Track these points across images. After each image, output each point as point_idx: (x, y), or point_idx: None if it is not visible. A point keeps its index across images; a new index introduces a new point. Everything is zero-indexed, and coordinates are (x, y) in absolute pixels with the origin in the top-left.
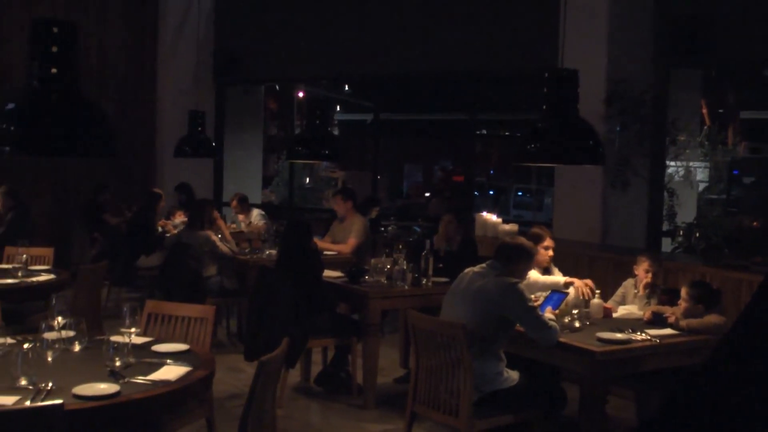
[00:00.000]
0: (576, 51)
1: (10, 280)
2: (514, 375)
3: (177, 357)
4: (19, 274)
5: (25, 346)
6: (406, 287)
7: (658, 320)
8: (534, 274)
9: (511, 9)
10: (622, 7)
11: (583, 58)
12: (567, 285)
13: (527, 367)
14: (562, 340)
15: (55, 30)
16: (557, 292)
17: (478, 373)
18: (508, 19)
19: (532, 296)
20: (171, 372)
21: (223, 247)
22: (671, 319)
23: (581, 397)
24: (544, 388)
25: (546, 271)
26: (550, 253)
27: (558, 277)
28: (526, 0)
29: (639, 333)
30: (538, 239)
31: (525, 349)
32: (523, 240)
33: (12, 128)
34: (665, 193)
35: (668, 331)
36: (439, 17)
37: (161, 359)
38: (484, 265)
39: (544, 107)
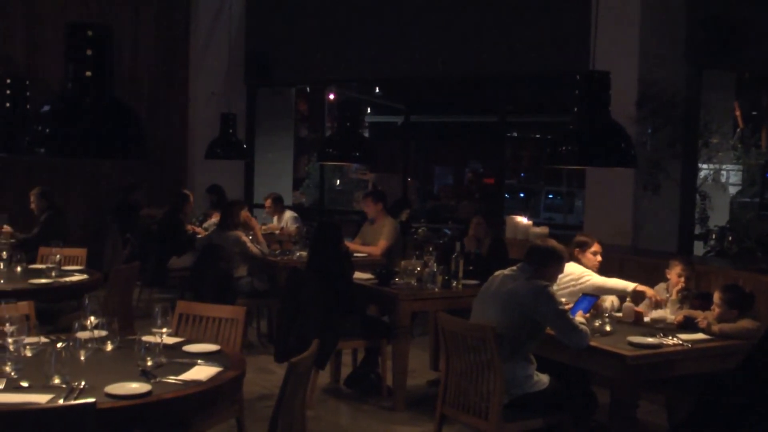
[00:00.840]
0: (608, 52)
1: (44, 280)
2: (544, 378)
3: (208, 357)
4: (53, 274)
5: (59, 345)
6: (436, 289)
7: (689, 324)
8: (599, 277)
9: (542, 11)
10: (654, 9)
11: (615, 59)
12: (637, 293)
13: (557, 371)
14: (592, 343)
15: (90, 33)
16: (588, 296)
17: (508, 376)
18: (540, 20)
19: (562, 299)
20: (202, 372)
21: (254, 249)
22: (702, 324)
23: (612, 401)
24: (574, 392)
25: None
26: (599, 258)
27: (627, 282)
28: (557, 1)
29: (670, 337)
30: (584, 246)
31: (555, 353)
32: (553, 243)
33: (47, 130)
34: (697, 197)
35: (700, 335)
36: (471, 19)
37: (192, 359)
38: (514, 267)
39: (576, 109)
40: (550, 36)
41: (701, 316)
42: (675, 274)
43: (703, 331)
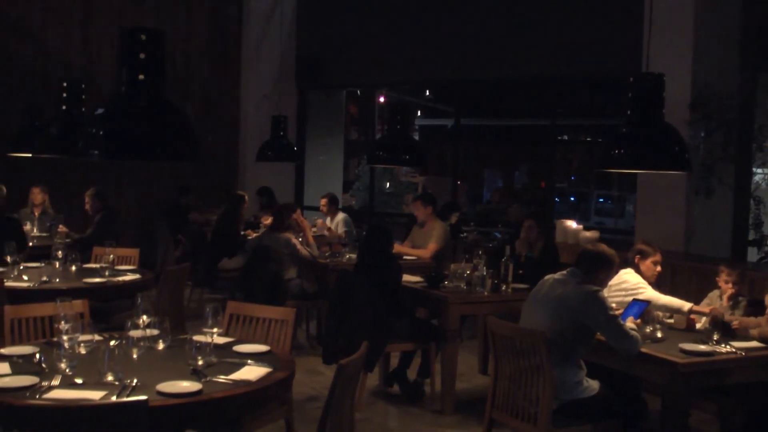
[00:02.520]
0: (661, 55)
1: (97, 280)
2: (594, 384)
3: (258, 358)
4: (106, 273)
5: (112, 343)
6: (486, 293)
7: (720, 326)
8: (653, 292)
9: (594, 13)
10: (709, 10)
11: (668, 61)
12: (693, 313)
13: (608, 377)
14: (643, 350)
15: (143, 37)
16: (639, 301)
17: (557, 381)
18: (592, 23)
19: (613, 304)
20: (252, 372)
21: (304, 251)
22: (735, 324)
23: (663, 409)
24: (624, 399)
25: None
26: (659, 268)
27: (683, 302)
28: (610, 3)
29: (724, 345)
30: (646, 255)
31: (606, 359)
32: (604, 247)
33: (101, 133)
34: (751, 201)
35: (754, 343)
36: (522, 21)
37: (242, 359)
38: (564, 272)
39: (628, 112)
40: (603, 38)
41: (753, 322)
42: (722, 280)
43: (753, 338)
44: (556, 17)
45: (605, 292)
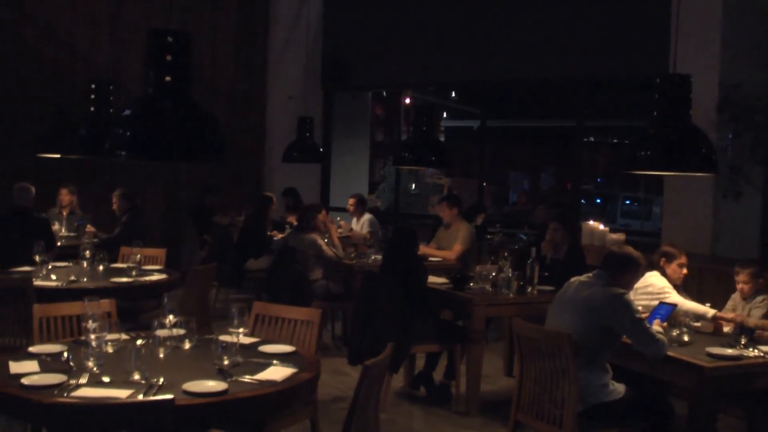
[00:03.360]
0: (688, 56)
1: (124, 279)
2: (620, 387)
3: (283, 358)
4: (133, 273)
5: (139, 342)
6: (511, 295)
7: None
8: (678, 297)
9: (621, 14)
10: (736, 11)
11: (695, 62)
12: (717, 319)
13: (634, 381)
14: (670, 353)
15: (170, 39)
16: (666, 304)
17: (583, 383)
18: (619, 23)
19: (639, 308)
20: (277, 373)
21: (329, 252)
22: (737, 318)
23: (689, 413)
24: (650, 403)
25: (676, 289)
26: (684, 271)
27: (707, 308)
28: (636, 4)
29: (751, 349)
30: (671, 257)
31: (632, 362)
32: (630, 250)
33: (128, 134)
34: None
35: None
36: (547, 23)
37: (268, 360)
38: (590, 274)
39: (655, 113)
40: (630, 39)
41: (731, 315)
42: (739, 281)
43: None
44: (582, 18)
45: (631, 295)
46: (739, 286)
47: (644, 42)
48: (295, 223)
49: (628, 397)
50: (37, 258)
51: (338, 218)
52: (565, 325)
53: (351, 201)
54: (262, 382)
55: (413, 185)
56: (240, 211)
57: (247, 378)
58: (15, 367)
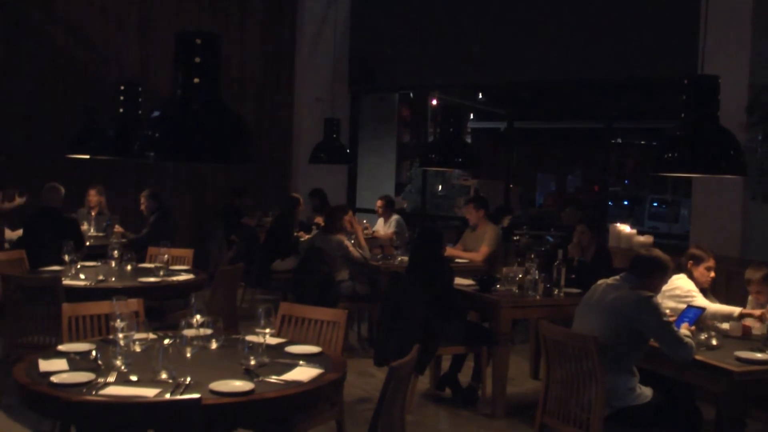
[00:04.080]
0: (716, 57)
1: (152, 279)
2: (647, 391)
3: (310, 359)
4: (161, 273)
5: (166, 341)
6: (538, 297)
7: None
8: (704, 300)
9: (649, 15)
10: (766, 11)
11: (724, 64)
12: (743, 317)
13: (661, 384)
14: (698, 357)
15: (198, 41)
16: (694, 307)
17: (610, 387)
18: (647, 25)
19: (667, 311)
20: (303, 373)
21: (356, 253)
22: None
23: (717, 418)
24: (678, 407)
25: (703, 292)
26: (712, 274)
27: (733, 307)
28: (665, 5)
29: None
30: (699, 260)
31: (659, 366)
32: (658, 253)
33: (157, 135)
34: None
35: None
36: (575, 24)
37: (294, 360)
38: (617, 277)
39: (683, 115)
40: (658, 40)
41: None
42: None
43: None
44: (610, 19)
45: (658, 298)
46: (753, 295)
47: (673, 43)
48: (322, 224)
49: (656, 402)
50: (66, 258)
51: (364, 221)
52: (592, 328)
53: (379, 203)
54: (288, 383)
55: (440, 187)
56: (267, 212)
57: (273, 378)
58: (44, 365)
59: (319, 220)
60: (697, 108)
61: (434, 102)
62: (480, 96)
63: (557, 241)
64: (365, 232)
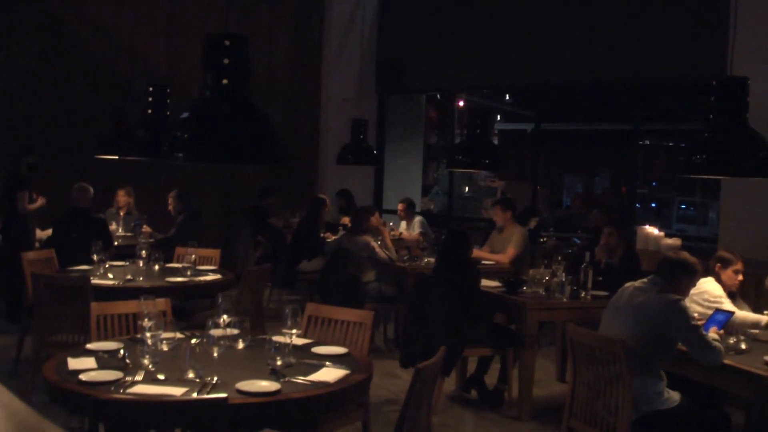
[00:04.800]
0: (746, 58)
1: (179, 279)
2: (675, 396)
3: (336, 360)
4: (188, 273)
5: (193, 341)
6: (565, 299)
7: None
8: (732, 307)
9: (677, 15)
10: None
11: (753, 65)
12: None
13: (689, 389)
14: (726, 362)
15: (227, 43)
16: (722, 311)
17: (637, 391)
18: (675, 25)
19: (695, 314)
20: (330, 374)
21: (382, 254)
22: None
23: (746, 424)
24: (706, 412)
25: (731, 296)
26: (740, 277)
27: (760, 316)
28: (694, 6)
29: None
30: (727, 263)
31: (687, 370)
32: (686, 255)
33: (185, 136)
34: None
35: None
36: (602, 24)
37: (320, 361)
38: (645, 280)
39: (712, 117)
40: (686, 40)
41: None
42: None
43: None
44: (638, 20)
45: (686, 302)
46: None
47: (701, 43)
48: (348, 225)
49: (684, 406)
50: (95, 257)
51: (390, 223)
52: (619, 331)
53: (400, 206)
54: (314, 383)
55: (466, 188)
56: (294, 213)
57: (299, 379)
58: (73, 363)
59: (346, 220)
60: (726, 110)
61: (461, 103)
62: (507, 97)
63: (584, 243)
64: (391, 233)
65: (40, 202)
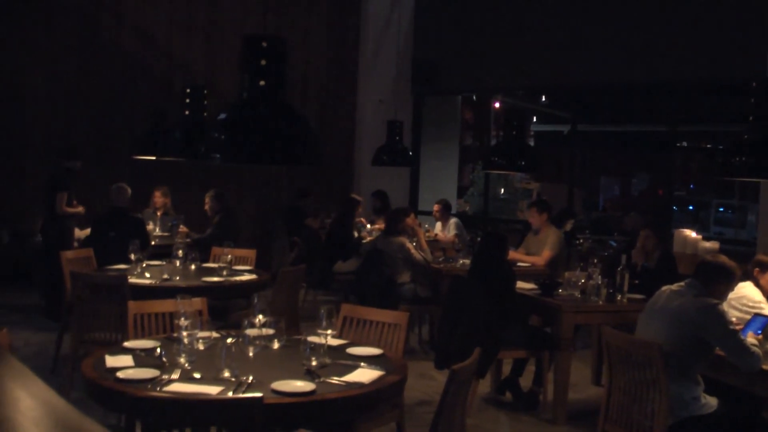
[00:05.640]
0: None
1: (215, 279)
2: (712, 401)
3: (371, 360)
4: (224, 273)
5: (229, 340)
6: (600, 302)
7: None
8: None
9: (716, 16)
10: None
11: None
12: None
13: (727, 395)
14: (765, 367)
15: (264, 44)
16: (761, 316)
17: (673, 396)
18: (713, 26)
19: (733, 319)
20: (364, 375)
21: (417, 255)
22: None
23: None
24: (744, 419)
25: None
26: None
27: None
28: (732, 6)
29: None
30: (766, 267)
31: (725, 375)
32: (725, 259)
33: (222, 137)
34: None
35: None
36: (639, 25)
37: (355, 362)
38: (682, 283)
39: (751, 118)
40: (725, 41)
41: None
42: None
43: None
44: (676, 20)
45: (724, 306)
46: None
47: (740, 44)
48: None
49: (721, 412)
50: (132, 256)
51: (426, 225)
52: (656, 335)
53: (436, 207)
54: (349, 384)
55: (502, 190)
56: (330, 214)
57: (334, 379)
58: (111, 361)
59: (380, 222)
60: (765, 111)
61: (497, 104)
62: (543, 99)
63: (620, 245)
64: (426, 234)
65: (79, 209)
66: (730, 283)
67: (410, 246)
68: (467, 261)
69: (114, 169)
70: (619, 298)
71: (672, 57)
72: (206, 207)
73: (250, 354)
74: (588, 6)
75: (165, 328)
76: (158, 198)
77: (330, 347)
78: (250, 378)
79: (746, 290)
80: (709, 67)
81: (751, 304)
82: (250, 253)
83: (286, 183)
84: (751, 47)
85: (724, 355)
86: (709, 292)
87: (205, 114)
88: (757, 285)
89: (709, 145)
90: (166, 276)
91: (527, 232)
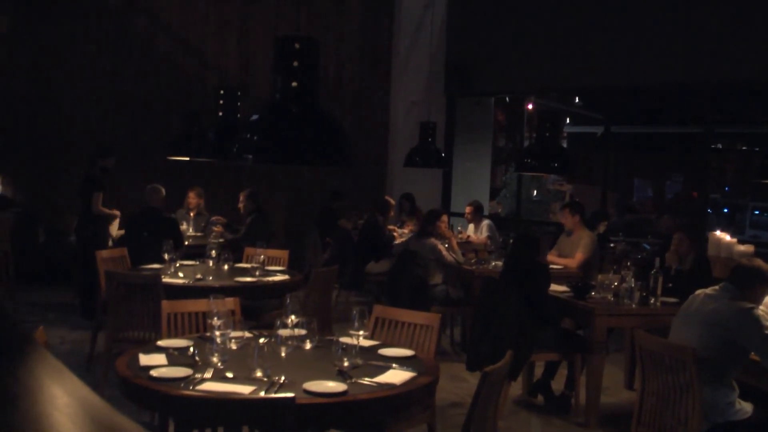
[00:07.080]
0: None
1: (248, 279)
2: (747, 407)
3: (402, 362)
4: (257, 273)
5: (261, 340)
6: (634, 305)
7: None
8: None
9: (751, 15)
10: None
11: None
12: None
13: (763, 400)
14: None
15: (297, 46)
16: None
17: (707, 401)
18: (748, 25)
19: None
20: (396, 376)
21: (449, 257)
22: None
23: None
24: None
25: None
26: None
27: None
28: (767, 5)
29: None
30: None
31: (760, 380)
32: (760, 262)
33: (255, 138)
34: None
35: None
36: (674, 26)
37: (387, 363)
38: (717, 287)
39: None
40: (760, 41)
41: None
42: None
43: None
44: (710, 20)
45: (760, 310)
46: None
47: None
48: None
49: (757, 418)
50: (166, 256)
51: (459, 227)
52: (690, 339)
53: (468, 209)
54: (381, 385)
55: (535, 192)
56: (362, 215)
57: (366, 380)
58: (145, 359)
59: (410, 224)
60: None
61: (530, 106)
62: (576, 100)
63: (654, 248)
64: (459, 236)
65: (115, 212)
66: (766, 287)
67: (442, 247)
68: (500, 263)
69: (148, 169)
70: (652, 301)
71: (707, 57)
72: (240, 205)
73: (283, 354)
74: (622, 7)
75: (198, 327)
76: (192, 198)
77: (362, 348)
78: (282, 378)
79: None
80: (745, 68)
81: None
82: (283, 254)
83: (318, 184)
84: None
85: (759, 360)
86: (744, 295)
87: (239, 115)
88: None
89: (744, 147)
90: (199, 276)
91: (560, 234)
